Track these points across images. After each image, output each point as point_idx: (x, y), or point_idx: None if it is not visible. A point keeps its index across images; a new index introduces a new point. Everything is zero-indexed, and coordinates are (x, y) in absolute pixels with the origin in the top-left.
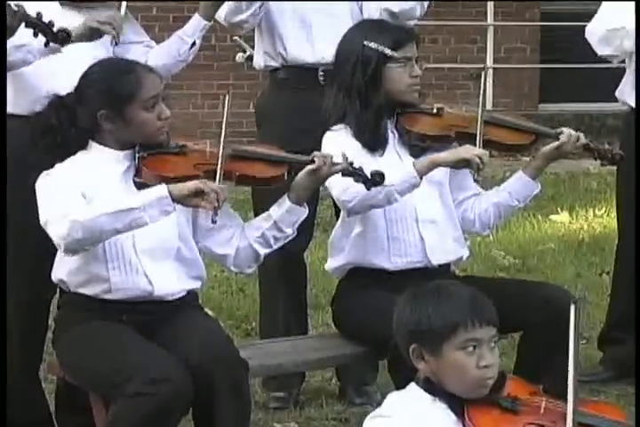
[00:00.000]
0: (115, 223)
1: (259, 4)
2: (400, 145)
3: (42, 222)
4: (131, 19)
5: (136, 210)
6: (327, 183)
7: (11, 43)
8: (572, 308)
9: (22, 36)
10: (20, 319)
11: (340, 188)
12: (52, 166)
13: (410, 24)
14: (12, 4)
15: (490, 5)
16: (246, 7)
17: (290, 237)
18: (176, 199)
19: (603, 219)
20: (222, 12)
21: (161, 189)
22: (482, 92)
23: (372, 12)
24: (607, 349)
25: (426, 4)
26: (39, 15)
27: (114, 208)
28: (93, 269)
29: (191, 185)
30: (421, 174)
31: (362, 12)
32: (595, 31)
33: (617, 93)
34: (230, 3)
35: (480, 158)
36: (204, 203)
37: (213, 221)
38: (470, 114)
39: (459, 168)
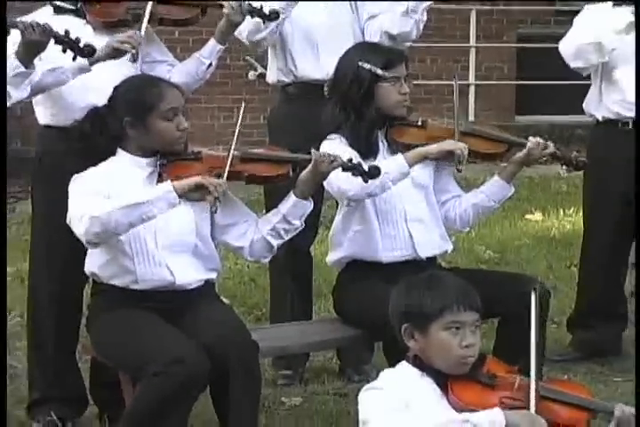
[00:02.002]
0: (127, 217)
1: (275, 22)
2: (389, 153)
3: (67, 221)
4: (157, 40)
5: (145, 204)
6: (327, 180)
7: (44, 67)
8: (533, 295)
9: (53, 57)
10: (54, 309)
11: (341, 180)
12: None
13: (406, 45)
14: (42, 23)
15: (472, 29)
16: (265, 26)
17: (299, 229)
18: (180, 193)
19: (572, 218)
20: (244, 33)
21: (166, 185)
22: (455, 101)
23: (373, 34)
24: (575, 332)
25: (421, 26)
26: (67, 32)
27: (125, 203)
28: (121, 262)
29: (193, 180)
30: (411, 165)
31: (363, 34)
32: (568, 46)
33: (584, 106)
34: (250, 23)
35: (461, 150)
36: (205, 195)
37: (214, 211)
38: (451, 126)
39: (443, 160)
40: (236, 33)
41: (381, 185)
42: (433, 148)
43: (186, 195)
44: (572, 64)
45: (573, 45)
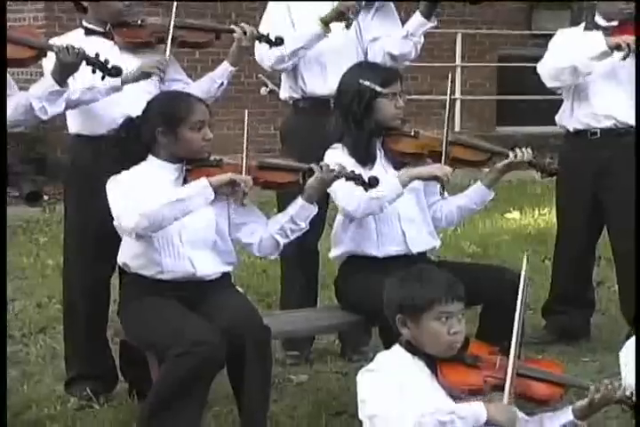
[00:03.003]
0: (172, 211)
1: (300, 55)
2: (385, 160)
3: (114, 216)
4: (174, 62)
5: (186, 199)
6: (333, 194)
7: (82, 85)
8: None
9: (86, 76)
10: (85, 299)
11: (345, 200)
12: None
13: (405, 64)
14: (75, 46)
15: (458, 50)
16: (289, 58)
17: (303, 230)
18: (215, 188)
19: (546, 217)
20: (266, 62)
21: (203, 181)
22: (447, 119)
23: (377, 54)
24: (549, 317)
25: (419, 47)
26: (97, 55)
27: (169, 200)
28: (150, 255)
29: (226, 176)
30: (404, 186)
31: (365, 56)
32: (546, 69)
33: (556, 119)
34: (277, 55)
35: (447, 177)
36: (236, 190)
37: (243, 204)
38: (440, 136)
39: (429, 181)
40: (258, 61)
41: (379, 206)
42: (423, 170)
43: (219, 189)
44: (549, 84)
45: (551, 68)
